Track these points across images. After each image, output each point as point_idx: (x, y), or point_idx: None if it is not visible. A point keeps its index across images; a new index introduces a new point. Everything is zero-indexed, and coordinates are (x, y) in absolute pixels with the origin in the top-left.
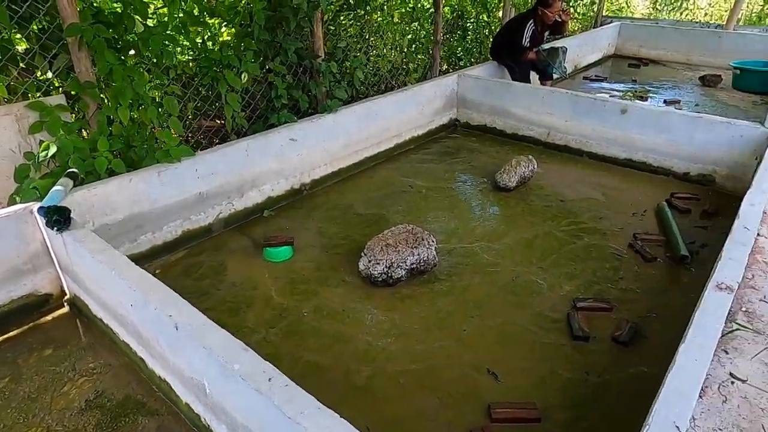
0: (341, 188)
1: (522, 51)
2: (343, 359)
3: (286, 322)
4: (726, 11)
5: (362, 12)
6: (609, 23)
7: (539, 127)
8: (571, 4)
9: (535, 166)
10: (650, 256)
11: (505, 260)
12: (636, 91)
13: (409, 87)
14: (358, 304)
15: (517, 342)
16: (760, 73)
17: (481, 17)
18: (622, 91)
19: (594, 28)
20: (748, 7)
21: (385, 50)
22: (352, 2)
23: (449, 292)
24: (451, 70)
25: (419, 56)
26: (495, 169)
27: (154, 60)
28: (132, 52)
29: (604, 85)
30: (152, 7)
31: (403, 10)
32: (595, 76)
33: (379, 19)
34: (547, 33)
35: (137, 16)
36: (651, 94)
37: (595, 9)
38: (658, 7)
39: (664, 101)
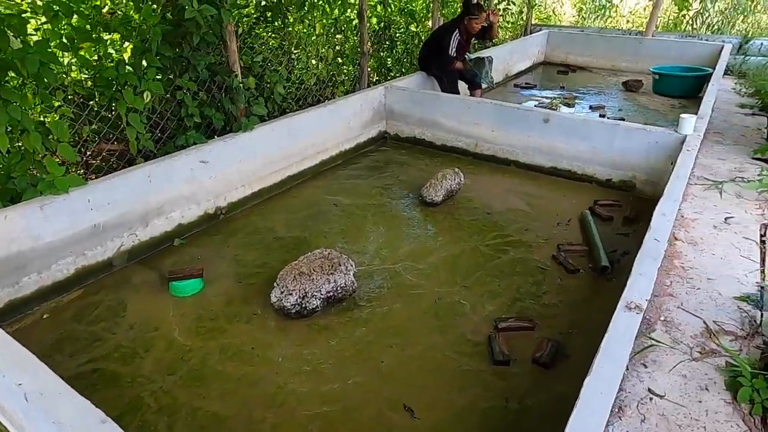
0: (262, 210)
1: (449, 61)
2: (247, 406)
3: (187, 367)
4: (646, 18)
5: (280, 24)
6: (538, 31)
7: (467, 137)
8: (500, 13)
9: (462, 179)
10: (573, 267)
11: (429, 281)
12: (564, 98)
13: (334, 100)
14: (269, 340)
15: (437, 371)
16: (677, 77)
17: (409, 27)
18: (551, 98)
19: (524, 36)
20: (665, 14)
21: (309, 63)
22: (269, 15)
23: (368, 319)
24: (383, 81)
25: (347, 68)
26: (423, 182)
27: (34, 80)
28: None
29: (535, 92)
30: (35, 22)
31: (325, 22)
32: (526, 83)
33: (300, 31)
34: (474, 41)
35: (10, 33)
36: (578, 101)
37: (524, 18)
38: (584, 15)
39: (590, 107)
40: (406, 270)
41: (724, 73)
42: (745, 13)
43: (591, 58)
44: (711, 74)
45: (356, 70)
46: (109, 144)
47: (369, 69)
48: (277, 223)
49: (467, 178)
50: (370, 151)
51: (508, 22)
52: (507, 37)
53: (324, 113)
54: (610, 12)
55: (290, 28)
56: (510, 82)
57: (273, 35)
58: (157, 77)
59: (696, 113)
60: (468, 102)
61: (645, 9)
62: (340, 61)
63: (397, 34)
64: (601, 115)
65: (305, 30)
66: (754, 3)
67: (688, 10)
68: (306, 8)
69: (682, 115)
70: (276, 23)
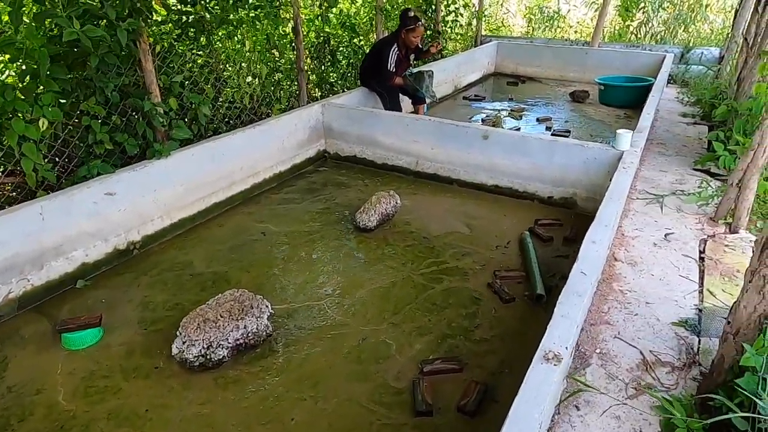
0: (183, 242)
1: (388, 76)
2: None
3: None
4: (592, 28)
5: (205, 41)
6: (488, 42)
7: (408, 156)
8: (449, 24)
9: (398, 201)
10: (508, 296)
11: (355, 318)
12: (512, 110)
13: (266, 120)
14: (168, 400)
15: (353, 428)
16: (621, 88)
17: (352, 41)
18: (499, 110)
19: (474, 47)
20: (611, 24)
21: (241, 81)
22: (191, 32)
23: (283, 368)
24: (328, 97)
25: (285, 85)
26: (361, 205)
27: None
28: None
29: (484, 104)
30: None
31: (258, 38)
32: (475, 95)
33: (230, 48)
34: (413, 57)
35: None
36: (526, 113)
37: (474, 29)
38: (534, 26)
39: (537, 119)
40: (332, 306)
41: (668, 82)
42: (686, 23)
43: (540, 68)
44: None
45: (296, 87)
46: (3, 176)
47: (310, 85)
48: (197, 257)
49: (407, 198)
50: (308, 172)
51: (457, 34)
52: (457, 48)
53: (254, 134)
54: (558, 23)
55: (217, 45)
56: (460, 94)
57: (197, 53)
58: (61, 101)
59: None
60: (406, 119)
61: (592, 19)
62: (277, 78)
63: (340, 48)
64: (547, 128)
65: (234, 47)
66: (695, 13)
67: (632, 20)
68: (233, 24)
69: (619, 131)
70: (200, 40)
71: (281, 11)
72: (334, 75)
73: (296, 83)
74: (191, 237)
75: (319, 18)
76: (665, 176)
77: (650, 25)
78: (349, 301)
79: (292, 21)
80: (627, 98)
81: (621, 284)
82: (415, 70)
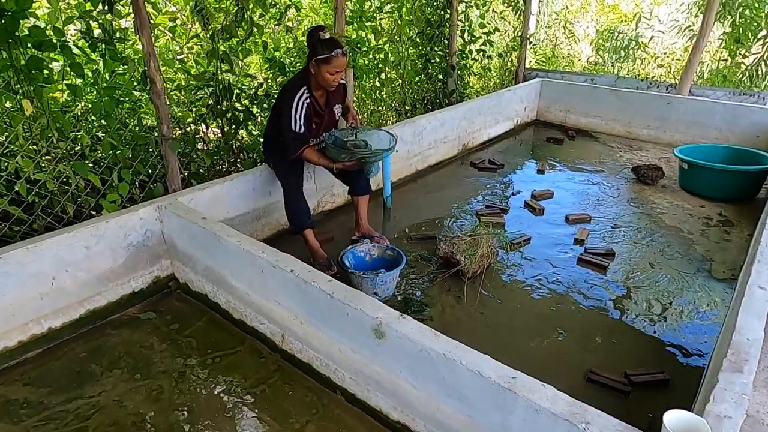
0: None
1: (291, 144)
2: None
3: None
4: (684, 63)
5: None
6: (534, 78)
7: (269, 321)
8: (472, 56)
9: None
10: None
11: None
12: (534, 196)
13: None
14: None
15: None
16: (717, 171)
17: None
18: (514, 191)
19: (515, 83)
20: (712, 58)
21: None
22: None
23: None
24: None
25: (137, 164)
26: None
27: None
28: None
29: (494, 182)
30: None
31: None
32: (489, 162)
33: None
34: (339, 106)
35: None
36: (554, 203)
37: (514, 60)
38: (604, 56)
39: (566, 218)
40: None
41: None
42: None
43: (598, 120)
44: None
45: (160, 166)
46: None
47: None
48: None
49: (257, 402)
50: (120, 324)
51: (484, 69)
52: (490, 86)
53: (16, 257)
54: (635, 53)
55: None
56: (470, 157)
57: None
58: None
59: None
60: (259, 258)
61: (685, 50)
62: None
63: (257, 98)
64: (577, 241)
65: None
66: None
67: (745, 56)
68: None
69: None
70: None
71: (120, 46)
72: (248, 139)
73: (161, 159)
74: None
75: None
76: None
77: None
78: None
79: (141, 63)
80: (727, 186)
81: None
82: (359, 132)
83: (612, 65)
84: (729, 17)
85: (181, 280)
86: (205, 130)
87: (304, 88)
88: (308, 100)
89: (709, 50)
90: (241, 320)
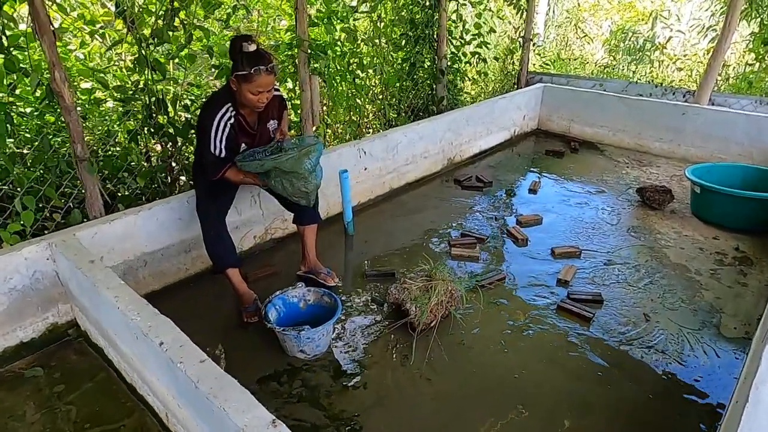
0: None
1: (211, 167)
2: None
3: None
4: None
5: None
6: (538, 81)
7: (153, 394)
8: (467, 58)
9: None
10: None
11: None
12: (519, 222)
13: None
14: None
15: None
16: (733, 198)
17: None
18: (496, 217)
19: (518, 88)
20: (738, 60)
21: None
22: None
23: None
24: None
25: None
26: None
27: None
28: None
29: (478, 203)
30: None
31: None
32: (477, 179)
33: None
34: (274, 123)
35: None
36: (542, 231)
37: (517, 62)
38: (617, 57)
39: (552, 251)
40: None
41: None
42: None
43: (605, 130)
44: None
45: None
46: None
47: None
48: None
49: None
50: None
51: (480, 73)
52: (491, 90)
53: None
54: (651, 54)
55: None
56: (456, 172)
57: None
58: None
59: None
60: (129, 315)
61: (706, 53)
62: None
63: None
64: (560, 282)
65: None
66: None
67: None
68: None
69: None
70: None
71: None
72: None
73: (79, 182)
74: None
75: (146, 65)
76: None
77: None
78: None
79: (45, 72)
80: (746, 215)
81: None
82: (288, 147)
83: (626, 68)
84: (757, 16)
85: (82, 327)
86: (142, 147)
87: (229, 105)
88: (232, 120)
89: (734, 52)
90: (132, 385)
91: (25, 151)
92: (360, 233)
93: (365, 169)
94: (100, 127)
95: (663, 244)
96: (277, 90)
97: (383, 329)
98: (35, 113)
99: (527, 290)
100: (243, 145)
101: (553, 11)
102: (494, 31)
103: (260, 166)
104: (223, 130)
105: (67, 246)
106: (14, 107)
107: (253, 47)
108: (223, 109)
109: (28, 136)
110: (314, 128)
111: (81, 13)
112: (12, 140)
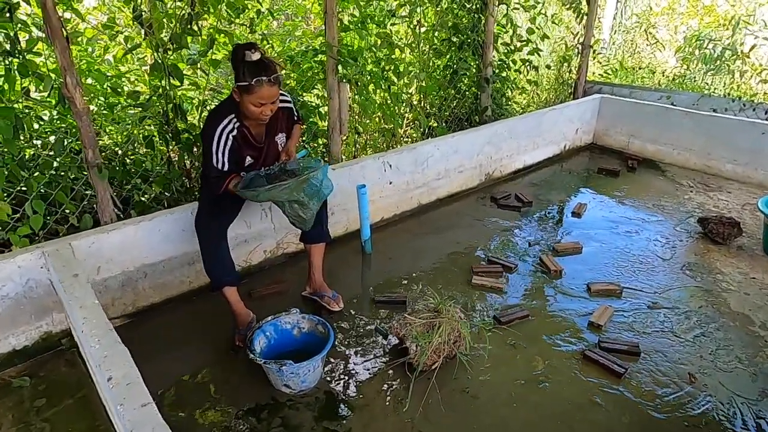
0: None
1: (213, 180)
2: None
3: None
4: None
5: None
6: (597, 92)
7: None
8: (517, 65)
9: None
10: None
11: None
12: (556, 250)
13: None
14: None
15: None
16: None
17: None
18: (527, 249)
19: (574, 99)
20: None
21: None
22: None
23: None
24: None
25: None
26: None
27: None
28: None
29: (514, 225)
30: None
31: None
32: (516, 197)
33: None
34: (282, 137)
35: None
36: (580, 262)
37: (574, 69)
38: (692, 66)
39: (588, 287)
40: None
41: None
42: None
43: (669, 148)
44: None
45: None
46: None
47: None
48: None
49: None
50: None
51: (531, 82)
52: (544, 99)
53: None
54: (730, 64)
55: None
56: (494, 189)
57: None
58: None
59: None
60: (89, 342)
61: None
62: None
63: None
64: (592, 325)
65: None
66: None
67: None
68: None
69: None
70: None
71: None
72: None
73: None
74: None
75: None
76: None
77: None
78: None
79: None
80: None
81: None
82: (293, 165)
83: (700, 79)
84: None
85: (75, 337)
86: (160, 153)
87: (232, 116)
88: (235, 132)
89: None
90: (106, 406)
91: (41, 153)
92: (380, 252)
93: (390, 183)
94: (117, 133)
95: (724, 287)
96: (287, 101)
97: (382, 366)
98: (55, 118)
99: (552, 332)
100: (248, 158)
101: (621, 15)
102: (547, 37)
103: (255, 197)
104: (225, 143)
105: (58, 256)
106: (31, 111)
107: (256, 56)
108: (226, 121)
109: (46, 139)
110: (343, 137)
111: (107, 20)
112: (26, 143)
